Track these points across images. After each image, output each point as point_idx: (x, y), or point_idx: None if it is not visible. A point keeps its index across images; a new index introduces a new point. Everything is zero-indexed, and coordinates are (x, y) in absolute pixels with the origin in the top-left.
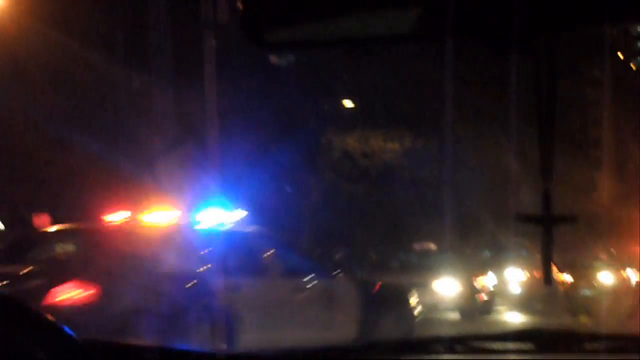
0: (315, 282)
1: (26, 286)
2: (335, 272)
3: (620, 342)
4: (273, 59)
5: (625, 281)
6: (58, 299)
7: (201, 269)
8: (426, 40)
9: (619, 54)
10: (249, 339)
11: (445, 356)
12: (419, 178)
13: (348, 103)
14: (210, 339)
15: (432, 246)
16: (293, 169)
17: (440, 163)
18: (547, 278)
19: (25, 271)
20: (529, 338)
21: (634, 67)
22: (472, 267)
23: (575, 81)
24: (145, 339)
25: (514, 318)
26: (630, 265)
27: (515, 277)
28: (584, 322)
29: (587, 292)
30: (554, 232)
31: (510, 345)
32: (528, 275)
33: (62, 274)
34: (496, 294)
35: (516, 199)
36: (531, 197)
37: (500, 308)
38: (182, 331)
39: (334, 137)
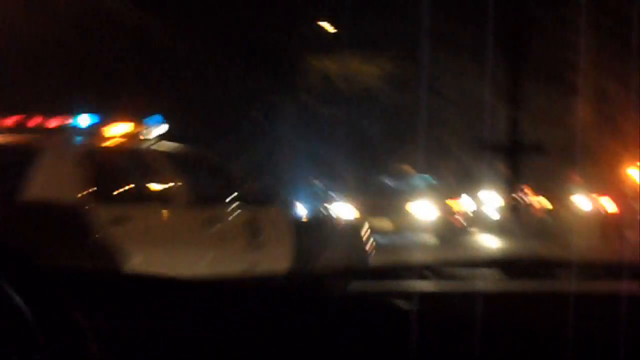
0: (237, 212)
1: None
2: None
3: (590, 269)
4: None
5: (600, 208)
6: None
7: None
8: None
9: None
10: None
11: (415, 282)
12: (396, 102)
13: (327, 26)
14: None
15: (409, 169)
16: (269, 92)
17: (416, 88)
18: (514, 206)
19: None
20: (497, 265)
21: None
22: (448, 190)
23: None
24: None
25: (489, 242)
26: (605, 194)
27: (491, 201)
28: (556, 247)
29: (563, 216)
30: (521, 161)
31: (479, 272)
32: (504, 199)
33: None
34: (472, 218)
35: (489, 128)
36: (504, 126)
37: (476, 231)
38: None
39: (313, 60)
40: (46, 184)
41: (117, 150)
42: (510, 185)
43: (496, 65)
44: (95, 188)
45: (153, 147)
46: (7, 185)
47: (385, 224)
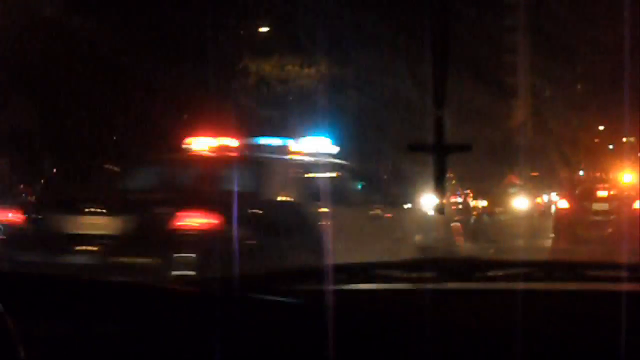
0: (383, 212)
1: (152, 211)
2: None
3: (522, 269)
4: None
5: (539, 206)
6: (184, 225)
7: (306, 201)
8: None
9: None
10: None
11: (345, 285)
12: (333, 105)
13: (264, 28)
14: None
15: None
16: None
17: (355, 89)
18: (439, 208)
19: (144, 197)
20: (430, 266)
21: None
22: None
23: (490, 8)
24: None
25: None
26: (546, 191)
27: (431, 204)
28: (494, 247)
29: (501, 217)
30: (447, 160)
31: (411, 273)
32: (440, 201)
33: (186, 201)
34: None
35: (425, 131)
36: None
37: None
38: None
39: (249, 62)
40: (273, 187)
41: (314, 163)
42: (443, 187)
43: (428, 66)
44: (306, 191)
45: (333, 161)
46: (241, 188)
47: None
